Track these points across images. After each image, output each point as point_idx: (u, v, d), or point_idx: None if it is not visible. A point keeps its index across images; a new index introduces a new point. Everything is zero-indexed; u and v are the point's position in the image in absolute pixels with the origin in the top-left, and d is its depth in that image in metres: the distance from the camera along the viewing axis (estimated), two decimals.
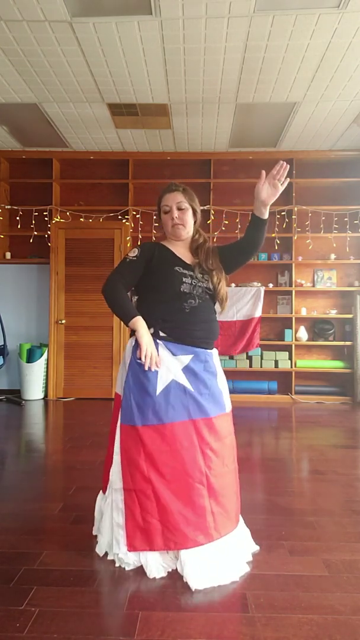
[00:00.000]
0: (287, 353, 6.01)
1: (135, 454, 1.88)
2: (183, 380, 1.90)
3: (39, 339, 6.27)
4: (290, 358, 6.03)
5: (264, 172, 1.97)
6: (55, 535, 2.25)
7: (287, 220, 6.16)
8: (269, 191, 1.96)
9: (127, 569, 1.91)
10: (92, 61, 4.04)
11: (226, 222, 6.07)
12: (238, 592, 1.80)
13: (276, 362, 6.01)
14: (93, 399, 5.90)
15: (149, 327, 1.96)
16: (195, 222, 2.14)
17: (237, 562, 1.92)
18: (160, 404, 1.87)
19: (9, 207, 6.26)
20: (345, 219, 6.07)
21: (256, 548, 2.10)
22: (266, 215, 2.00)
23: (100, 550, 2.03)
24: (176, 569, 1.89)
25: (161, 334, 1.96)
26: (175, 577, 1.89)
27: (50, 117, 5.17)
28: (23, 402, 5.66)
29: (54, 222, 6.07)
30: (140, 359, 1.89)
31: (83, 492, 2.80)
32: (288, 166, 1.99)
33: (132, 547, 1.87)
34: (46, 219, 6.15)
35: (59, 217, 6.17)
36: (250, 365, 6.05)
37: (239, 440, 4.10)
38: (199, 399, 1.90)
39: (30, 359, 5.86)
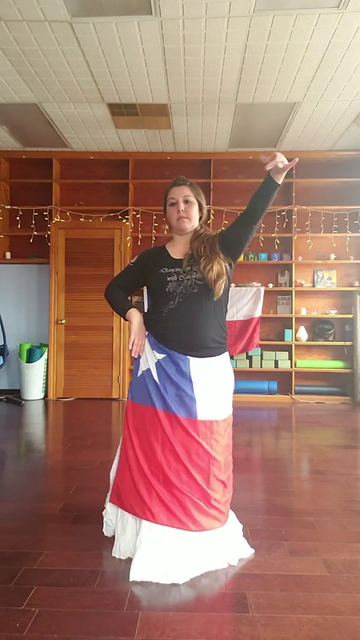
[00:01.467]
0: (287, 353, 6.01)
1: (125, 422, 2.09)
2: (154, 372, 2.02)
3: (39, 339, 6.27)
4: (290, 358, 6.03)
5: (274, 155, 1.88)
6: (55, 535, 2.25)
7: (287, 220, 6.16)
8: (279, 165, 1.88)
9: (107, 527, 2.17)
10: (92, 61, 4.04)
11: (226, 222, 6.06)
12: (238, 592, 1.80)
13: (276, 362, 6.01)
14: (93, 399, 5.90)
15: (147, 323, 2.13)
16: (200, 218, 2.14)
17: (181, 562, 1.87)
18: (138, 385, 2.07)
19: (9, 207, 6.26)
20: (345, 219, 6.07)
21: (247, 554, 2.06)
22: (281, 181, 1.94)
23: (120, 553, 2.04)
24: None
25: (152, 334, 2.10)
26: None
27: (50, 117, 5.17)
28: (23, 402, 5.66)
29: (54, 222, 6.07)
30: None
31: (83, 492, 2.80)
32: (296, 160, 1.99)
33: (112, 499, 2.10)
34: (46, 219, 6.15)
35: (59, 217, 6.17)
36: (250, 365, 6.05)
37: (238, 440, 4.11)
38: (164, 394, 1.98)
39: (30, 359, 5.86)
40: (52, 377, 5.95)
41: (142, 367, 2.06)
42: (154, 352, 2.04)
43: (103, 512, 2.25)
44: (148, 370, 2.04)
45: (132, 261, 2.23)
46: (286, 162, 1.86)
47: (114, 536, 2.15)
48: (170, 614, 1.65)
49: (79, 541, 2.18)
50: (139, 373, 2.07)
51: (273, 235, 6.10)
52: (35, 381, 5.86)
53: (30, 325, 6.37)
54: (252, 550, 2.10)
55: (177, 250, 2.12)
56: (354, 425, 4.81)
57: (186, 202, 2.08)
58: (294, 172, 6.05)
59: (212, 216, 6.05)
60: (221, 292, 2.01)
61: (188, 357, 1.99)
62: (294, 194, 6.07)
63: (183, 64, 4.06)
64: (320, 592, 1.80)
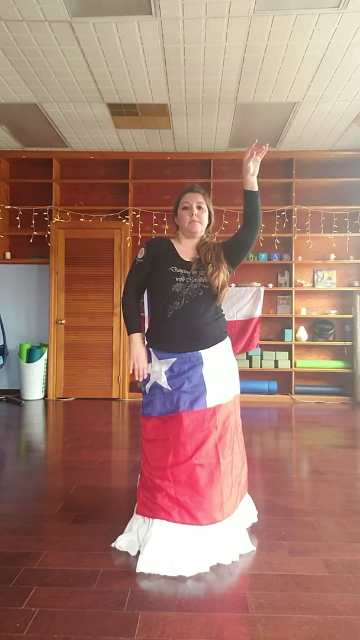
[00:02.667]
0: (287, 353, 6.01)
1: (142, 435, 2.21)
2: (163, 381, 2.13)
3: (39, 339, 6.27)
4: (290, 358, 6.03)
5: (252, 148, 2.09)
6: (55, 535, 2.25)
7: (287, 220, 6.15)
8: (255, 166, 2.11)
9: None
10: (92, 61, 4.04)
11: (226, 222, 6.06)
12: (238, 592, 1.80)
13: (276, 362, 6.01)
14: (93, 399, 5.90)
15: (148, 334, 2.25)
16: (208, 225, 2.31)
17: (197, 555, 1.95)
18: (149, 400, 2.18)
19: (9, 207, 6.26)
20: (345, 219, 6.07)
21: (249, 549, 2.11)
22: (257, 187, 2.14)
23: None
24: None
25: (154, 344, 2.21)
26: (174, 577, 1.89)
27: (50, 117, 5.17)
28: (23, 402, 5.66)
29: (53, 222, 6.07)
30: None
31: (83, 492, 2.80)
32: (267, 145, 2.12)
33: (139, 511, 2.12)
34: (46, 219, 6.15)
35: (58, 217, 6.17)
36: (250, 365, 6.05)
37: None
38: (175, 397, 2.10)
39: (30, 359, 5.86)
40: (52, 377, 5.95)
41: (150, 383, 2.18)
42: (162, 360, 2.16)
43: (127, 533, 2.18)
44: (156, 384, 2.15)
45: (139, 256, 2.26)
46: (251, 168, 2.09)
47: (114, 535, 2.18)
48: (171, 614, 1.65)
49: (79, 541, 2.18)
50: (148, 391, 2.19)
51: (273, 235, 6.10)
52: (35, 381, 5.86)
53: (30, 325, 6.37)
54: (254, 547, 2.13)
55: (185, 252, 2.23)
56: (354, 425, 4.81)
57: (199, 207, 2.24)
58: (294, 172, 6.05)
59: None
60: (224, 298, 2.20)
61: (199, 352, 2.14)
62: (294, 194, 6.06)
63: (183, 64, 4.06)
64: (320, 592, 1.80)
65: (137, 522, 2.14)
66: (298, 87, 4.43)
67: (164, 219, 6.15)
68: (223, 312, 2.29)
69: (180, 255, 2.21)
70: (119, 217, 6.16)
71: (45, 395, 5.97)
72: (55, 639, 1.53)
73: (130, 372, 2.17)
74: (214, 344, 2.18)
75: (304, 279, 6.18)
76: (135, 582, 1.85)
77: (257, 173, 2.12)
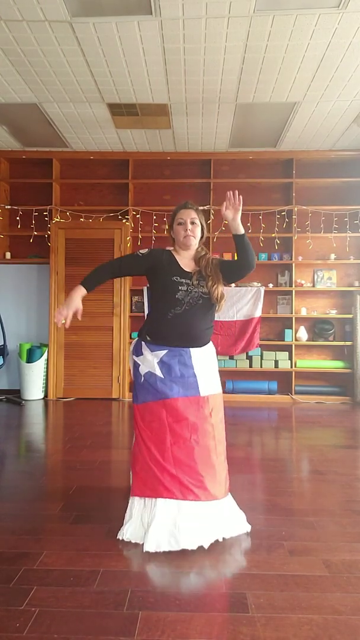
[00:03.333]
0: (287, 353, 6.00)
1: (135, 424, 2.35)
2: (156, 370, 2.31)
3: (39, 339, 6.27)
4: (290, 358, 6.03)
5: (227, 198, 2.35)
6: (55, 535, 2.25)
7: (287, 220, 6.15)
8: (233, 212, 2.34)
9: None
10: (92, 61, 4.04)
11: (226, 222, 6.06)
12: (238, 592, 1.80)
13: (276, 362, 6.01)
14: (93, 399, 5.90)
15: (143, 329, 2.42)
16: (201, 238, 2.48)
17: (199, 529, 2.13)
18: (142, 389, 2.33)
19: (9, 207, 6.26)
20: (345, 219, 6.07)
21: (246, 529, 2.30)
22: (241, 230, 2.35)
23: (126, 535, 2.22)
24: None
25: (147, 337, 2.37)
26: (174, 577, 1.89)
27: (50, 117, 5.17)
28: (23, 402, 5.66)
29: (54, 222, 6.07)
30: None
31: (83, 492, 2.80)
32: (237, 192, 2.34)
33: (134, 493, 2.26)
34: (46, 219, 6.15)
35: (59, 217, 6.17)
36: (250, 365, 6.05)
37: (239, 440, 4.11)
38: (168, 384, 2.28)
39: (30, 359, 5.86)
40: (52, 377, 5.95)
41: (143, 372, 2.33)
42: (154, 353, 2.33)
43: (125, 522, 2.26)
44: (149, 373, 2.32)
45: (141, 252, 2.45)
46: (229, 215, 2.34)
47: (114, 535, 2.19)
48: (171, 614, 1.65)
49: (79, 541, 2.18)
50: (142, 379, 2.33)
51: (273, 235, 6.10)
52: (35, 381, 5.86)
53: (30, 325, 6.37)
54: (249, 526, 2.30)
55: (185, 263, 2.44)
56: (354, 425, 4.81)
57: (192, 223, 2.42)
58: (294, 172, 6.05)
59: (212, 216, 6.06)
60: (222, 308, 2.42)
61: (189, 349, 2.34)
62: (294, 194, 6.06)
63: (183, 64, 4.06)
64: (320, 592, 1.80)
65: (137, 507, 2.24)
66: (298, 87, 4.43)
67: (164, 219, 6.15)
68: (212, 323, 2.49)
69: (181, 266, 2.41)
70: (119, 217, 6.16)
71: (45, 395, 5.97)
72: (55, 639, 1.53)
73: (55, 316, 2.36)
74: (201, 346, 2.39)
75: (304, 279, 6.18)
76: (136, 582, 1.85)
77: (237, 218, 2.33)
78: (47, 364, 5.95)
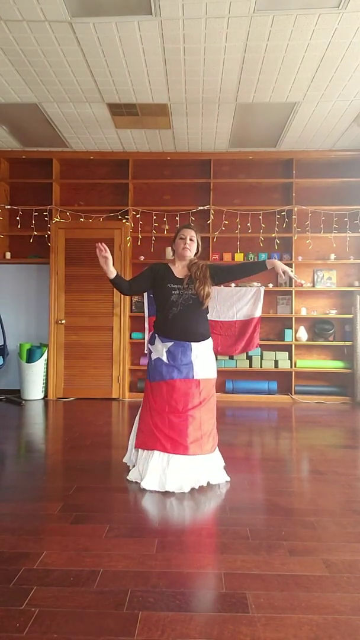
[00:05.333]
0: (287, 353, 6.00)
1: (146, 393, 3.08)
2: (164, 357, 3.00)
3: (39, 339, 6.27)
4: (290, 358, 6.03)
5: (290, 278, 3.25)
6: (55, 535, 2.25)
7: (287, 220, 6.15)
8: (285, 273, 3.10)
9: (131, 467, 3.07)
10: (92, 61, 4.04)
11: (226, 222, 6.07)
12: (238, 592, 1.80)
13: (276, 362, 6.01)
14: (93, 399, 5.90)
15: (156, 325, 3.10)
16: (196, 253, 3.14)
17: (183, 477, 2.83)
18: (153, 369, 3.03)
19: (8, 207, 6.26)
20: (345, 219, 6.07)
21: (225, 479, 2.98)
22: (269, 267, 3.10)
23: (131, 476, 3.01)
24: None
25: (159, 332, 3.06)
26: (175, 577, 1.89)
27: (50, 117, 5.17)
28: (23, 402, 5.66)
29: (54, 222, 6.07)
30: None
31: (83, 492, 2.80)
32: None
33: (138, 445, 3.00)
34: (46, 219, 6.15)
35: (58, 217, 6.17)
36: (250, 365, 6.05)
37: (239, 440, 4.11)
38: (170, 368, 2.96)
39: (30, 359, 5.86)
40: (52, 377, 5.94)
41: (154, 357, 3.04)
42: (164, 343, 3.01)
43: (124, 460, 3.21)
44: (158, 359, 3.00)
45: (147, 269, 3.15)
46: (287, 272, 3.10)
47: (114, 535, 2.21)
48: (171, 614, 1.65)
49: (79, 541, 2.18)
50: (152, 362, 3.03)
51: (273, 235, 6.10)
52: (35, 381, 5.86)
53: (30, 325, 6.37)
54: (228, 478, 2.97)
55: (178, 271, 3.10)
56: (354, 425, 4.81)
57: (191, 240, 3.09)
58: (294, 172, 6.05)
59: (212, 216, 6.06)
60: (208, 305, 3.03)
61: (190, 343, 3.00)
62: (294, 194, 6.06)
63: (183, 64, 4.06)
64: (320, 592, 1.80)
65: (140, 459, 2.96)
66: (298, 87, 4.43)
67: (164, 219, 6.15)
68: (207, 318, 3.14)
69: (175, 274, 3.07)
70: (119, 217, 6.16)
71: (45, 395, 5.97)
72: (55, 639, 1.53)
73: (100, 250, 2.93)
74: (202, 340, 3.04)
75: (304, 278, 6.18)
76: (136, 582, 1.85)
77: (283, 269, 3.07)
78: (47, 364, 5.95)
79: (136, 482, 2.91)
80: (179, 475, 2.81)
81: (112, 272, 2.97)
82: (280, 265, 3.04)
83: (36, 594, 1.77)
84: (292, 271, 3.11)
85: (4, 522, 2.39)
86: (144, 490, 2.80)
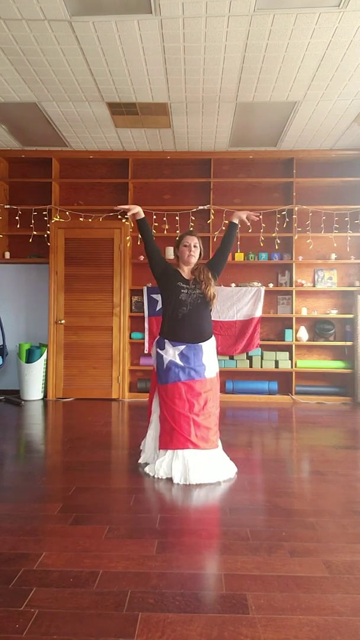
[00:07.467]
0: (287, 353, 5.99)
1: (160, 396, 3.19)
2: (177, 360, 3.16)
3: (39, 339, 6.26)
4: (290, 358, 6.02)
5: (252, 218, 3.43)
6: (55, 536, 2.25)
7: (287, 219, 6.14)
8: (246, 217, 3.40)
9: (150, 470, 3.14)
10: (92, 60, 4.03)
11: (226, 221, 6.05)
12: (238, 593, 1.79)
13: (276, 362, 6.00)
14: (93, 399, 5.89)
15: (163, 329, 3.27)
16: (199, 258, 3.32)
17: (219, 468, 3.06)
18: (164, 373, 3.16)
19: (8, 206, 6.25)
20: (346, 219, 6.06)
21: (234, 470, 3.16)
22: (236, 220, 3.36)
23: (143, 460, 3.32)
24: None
25: (169, 336, 3.22)
26: (175, 578, 1.89)
27: (49, 117, 5.17)
28: (22, 402, 5.65)
29: (53, 221, 6.06)
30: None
31: (83, 493, 2.79)
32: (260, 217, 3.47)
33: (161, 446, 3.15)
34: (45, 218, 6.14)
35: (58, 217, 6.16)
36: (251, 366, 6.04)
37: (239, 440, 4.10)
38: (186, 370, 3.13)
39: (30, 359, 5.85)
40: (51, 378, 5.94)
41: (166, 361, 3.17)
42: (175, 347, 3.18)
43: (140, 461, 3.33)
44: (171, 361, 3.15)
45: (163, 258, 3.38)
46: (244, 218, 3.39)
47: (114, 536, 2.21)
48: (170, 615, 1.65)
49: (79, 542, 2.18)
50: (165, 367, 3.16)
51: (273, 235, 6.09)
52: (34, 381, 5.85)
53: (30, 325, 6.36)
54: (236, 469, 3.15)
55: (185, 273, 3.31)
56: (354, 425, 4.80)
57: (195, 246, 3.28)
58: (294, 171, 6.05)
59: (212, 216, 6.05)
60: (224, 299, 3.25)
61: (200, 344, 3.19)
62: (294, 194, 6.05)
63: (183, 63, 4.05)
64: (320, 593, 1.79)
65: (160, 457, 3.09)
66: (298, 86, 4.42)
67: (164, 219, 6.14)
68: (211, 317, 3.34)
69: (183, 275, 3.28)
70: (119, 216, 6.15)
71: (45, 396, 5.97)
72: None
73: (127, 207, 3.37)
74: (208, 339, 3.24)
75: (304, 278, 6.17)
76: (136, 582, 1.84)
77: (247, 215, 3.37)
78: (47, 364, 5.94)
79: (154, 476, 3.06)
80: (204, 469, 3.00)
81: (142, 214, 3.39)
82: (240, 215, 3.34)
83: (36, 595, 1.76)
84: (255, 215, 3.43)
85: (3, 523, 2.38)
86: (144, 490, 2.80)
